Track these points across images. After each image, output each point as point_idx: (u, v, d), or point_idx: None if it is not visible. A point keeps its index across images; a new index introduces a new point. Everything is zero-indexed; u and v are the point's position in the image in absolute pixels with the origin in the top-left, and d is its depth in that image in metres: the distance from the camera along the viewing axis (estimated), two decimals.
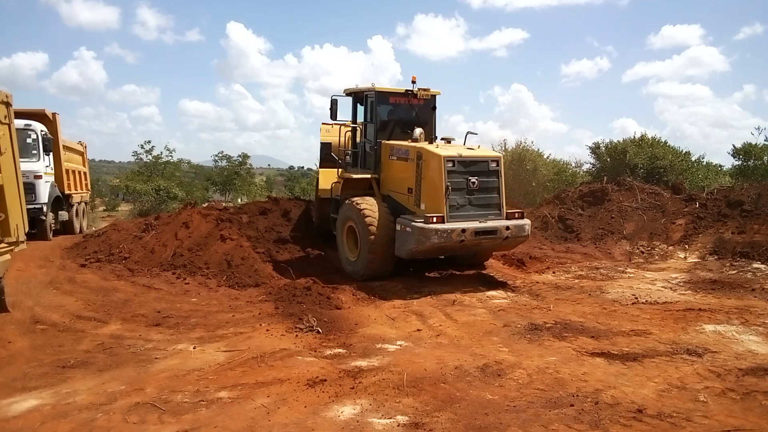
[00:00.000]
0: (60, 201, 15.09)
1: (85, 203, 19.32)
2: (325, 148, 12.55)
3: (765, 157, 24.93)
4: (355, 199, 10.49)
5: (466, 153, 9.95)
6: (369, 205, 10.18)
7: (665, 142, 26.25)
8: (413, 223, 9.33)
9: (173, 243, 11.53)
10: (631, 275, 10.94)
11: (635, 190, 16.46)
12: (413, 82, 11.16)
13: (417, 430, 4.47)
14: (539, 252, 13.27)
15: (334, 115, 11.10)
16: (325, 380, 5.49)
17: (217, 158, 44.40)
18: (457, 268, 11.30)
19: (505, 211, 10.11)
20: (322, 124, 13.88)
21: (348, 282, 9.98)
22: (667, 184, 18.75)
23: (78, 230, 16.73)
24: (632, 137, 26.42)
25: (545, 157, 28.52)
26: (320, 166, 13.91)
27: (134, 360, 6.19)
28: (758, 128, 25.23)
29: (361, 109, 11.57)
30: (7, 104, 6.04)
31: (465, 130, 15.47)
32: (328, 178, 12.74)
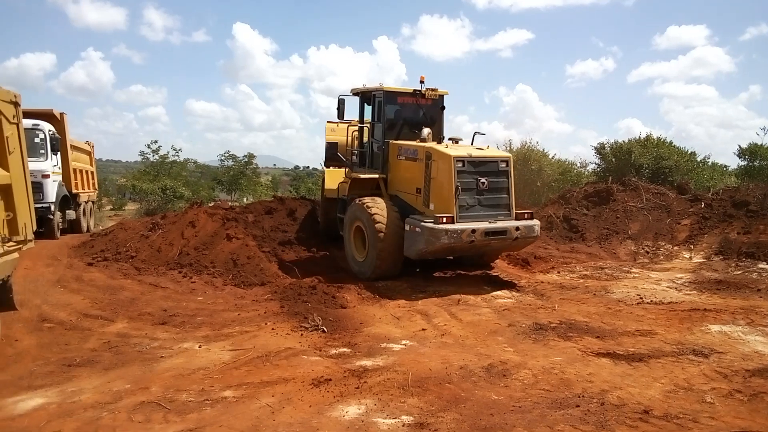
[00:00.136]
0: (67, 200, 15.16)
1: (93, 202, 19.39)
2: (332, 147, 12.50)
3: None
4: (364, 199, 10.44)
5: (476, 153, 9.88)
6: (377, 206, 10.13)
7: (670, 143, 26.16)
8: (423, 224, 9.28)
9: (179, 242, 11.56)
10: (636, 275, 10.91)
11: (640, 190, 16.39)
12: (421, 81, 11.09)
13: (422, 430, 4.48)
14: (544, 252, 13.24)
15: (341, 114, 11.06)
16: (330, 380, 5.50)
17: (223, 158, 44.53)
18: (463, 268, 11.26)
19: (514, 211, 10.05)
20: (328, 122, 13.84)
21: (353, 281, 9.98)
22: (672, 185, 18.68)
23: (85, 229, 16.80)
24: (637, 137, 26.34)
25: (550, 157, 28.48)
26: (325, 166, 13.91)
27: (140, 359, 6.22)
28: (764, 128, 25.06)
29: (368, 108, 11.52)
30: (16, 104, 6.07)
31: (470, 131, 15.47)
32: (335, 178, 12.72)
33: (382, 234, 9.80)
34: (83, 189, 17.12)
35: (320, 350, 6.54)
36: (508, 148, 27.00)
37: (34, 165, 9.60)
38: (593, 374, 5.69)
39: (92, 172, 19.13)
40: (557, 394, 5.19)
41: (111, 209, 34.87)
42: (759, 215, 13.54)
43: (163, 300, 8.87)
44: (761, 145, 25.20)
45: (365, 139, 11.72)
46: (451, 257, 11.34)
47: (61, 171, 14.72)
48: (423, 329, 7.44)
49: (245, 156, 44.49)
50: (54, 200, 13.80)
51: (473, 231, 9.29)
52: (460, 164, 9.50)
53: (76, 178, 16.10)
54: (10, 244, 5.79)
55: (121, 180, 42.74)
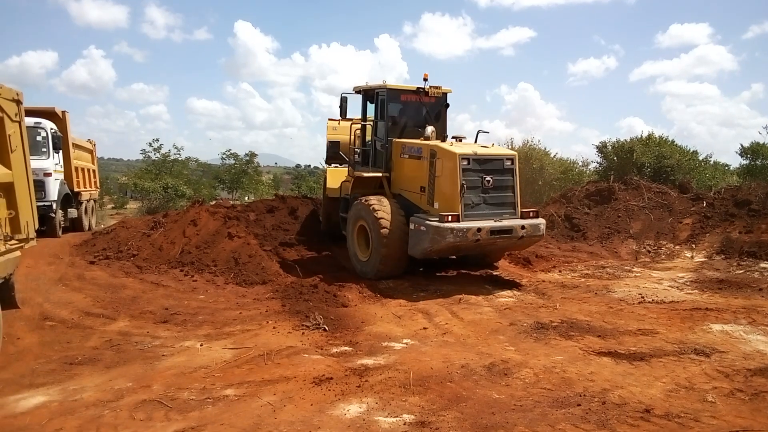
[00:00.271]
0: (69, 198, 15.16)
1: (94, 201, 19.40)
2: (334, 146, 12.40)
3: None
4: (367, 197, 10.37)
5: (481, 151, 9.81)
6: (381, 204, 10.07)
7: (672, 141, 26.17)
8: (428, 222, 9.22)
9: (181, 240, 11.57)
10: (638, 274, 10.90)
11: (642, 189, 16.39)
12: (425, 79, 11.00)
13: (423, 429, 4.48)
14: (545, 251, 13.24)
15: (343, 113, 10.99)
16: (332, 378, 5.50)
17: (224, 156, 44.55)
18: (466, 268, 11.21)
19: (519, 210, 9.99)
20: (329, 120, 13.74)
21: (354, 280, 9.98)
22: (674, 184, 18.67)
23: (87, 227, 16.80)
24: (639, 136, 26.34)
25: (552, 156, 28.48)
26: (326, 164, 13.88)
27: (141, 357, 6.23)
28: (766, 127, 25.08)
29: (371, 107, 11.44)
30: (18, 102, 6.07)
31: (471, 129, 15.47)
32: (337, 177, 12.67)
33: (386, 230, 9.74)
34: (85, 187, 17.12)
35: (321, 349, 6.55)
36: (510, 147, 27.01)
37: (36, 163, 9.60)
38: (595, 373, 5.69)
39: (94, 171, 19.14)
40: (559, 393, 5.19)
41: (113, 208, 34.92)
42: (761, 214, 13.54)
43: (165, 298, 8.88)
44: (763, 144, 25.18)
45: (368, 137, 11.66)
46: (454, 257, 11.29)
47: (62, 169, 14.73)
48: (424, 328, 7.44)
49: (247, 154, 44.53)
50: (56, 198, 13.80)
51: (479, 230, 9.21)
52: (465, 162, 9.44)
53: (77, 177, 16.11)
54: (12, 242, 5.80)
55: (123, 178, 42.77)
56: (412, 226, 9.60)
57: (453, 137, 10.67)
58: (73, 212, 15.40)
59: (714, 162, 28.21)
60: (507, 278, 10.58)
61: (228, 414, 4.73)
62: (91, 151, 19.15)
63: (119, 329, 7.30)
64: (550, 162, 27.73)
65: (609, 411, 4.77)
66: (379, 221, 9.82)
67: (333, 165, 13.68)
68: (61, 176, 14.57)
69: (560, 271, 11.38)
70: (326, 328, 7.32)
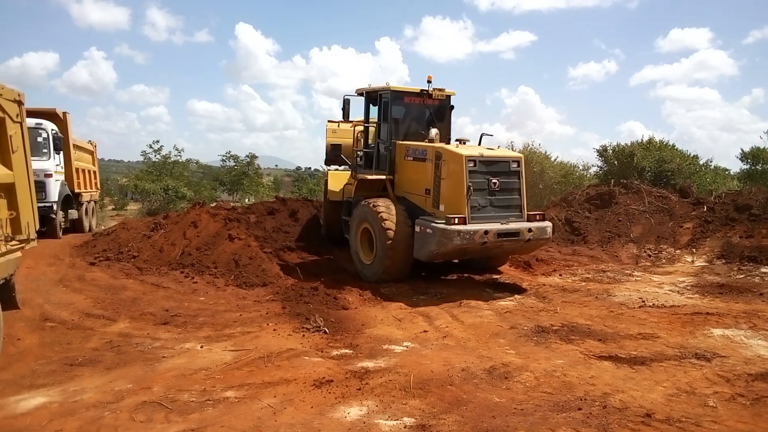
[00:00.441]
0: (70, 199, 15.17)
1: (95, 202, 19.42)
2: (336, 149, 12.27)
3: None
4: (371, 200, 10.30)
5: (487, 153, 9.72)
6: (386, 207, 9.98)
7: (673, 146, 26.17)
8: (434, 225, 9.12)
9: (182, 242, 11.57)
10: (638, 278, 10.89)
11: (642, 193, 16.39)
12: (429, 81, 10.93)
13: None
14: (546, 254, 13.23)
15: (346, 115, 10.89)
16: (332, 381, 5.49)
17: (224, 158, 44.59)
18: (470, 272, 11.12)
19: (526, 212, 9.91)
20: (329, 122, 13.66)
21: (354, 283, 9.97)
22: (674, 188, 18.68)
23: (87, 229, 16.81)
24: (640, 140, 26.36)
25: (552, 159, 28.49)
26: (325, 164, 13.83)
27: (142, 358, 6.22)
28: (767, 132, 25.08)
29: (373, 109, 11.36)
30: (19, 103, 6.07)
31: (472, 133, 15.43)
32: (338, 180, 12.63)
33: (391, 232, 9.66)
34: (86, 188, 17.14)
35: (322, 351, 6.54)
36: (511, 150, 26.99)
37: (36, 164, 9.60)
38: (595, 377, 5.68)
39: (95, 172, 19.15)
40: (559, 397, 5.18)
41: (113, 209, 34.95)
42: (761, 219, 13.54)
43: (165, 300, 8.87)
44: (764, 148, 25.21)
45: (371, 140, 11.60)
46: (457, 261, 11.23)
47: (63, 170, 14.74)
48: (424, 331, 7.44)
49: (247, 156, 44.57)
50: (56, 199, 13.81)
51: (486, 232, 9.11)
52: (471, 164, 9.35)
53: (78, 178, 16.12)
54: (13, 243, 5.79)
55: (123, 180, 42.83)
56: (417, 229, 9.51)
57: (456, 140, 10.60)
58: (73, 213, 15.40)
59: (714, 166, 28.25)
60: (507, 282, 10.57)
61: (228, 416, 4.72)
62: (91, 153, 19.17)
63: (119, 330, 7.30)
64: (551, 165, 27.74)
65: (610, 415, 4.76)
66: (383, 223, 9.73)
67: (333, 168, 13.66)
68: (62, 177, 14.58)
69: (561, 275, 11.37)
70: (326, 330, 7.32)
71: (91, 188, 18.10)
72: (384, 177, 10.85)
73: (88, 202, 17.57)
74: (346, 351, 6.58)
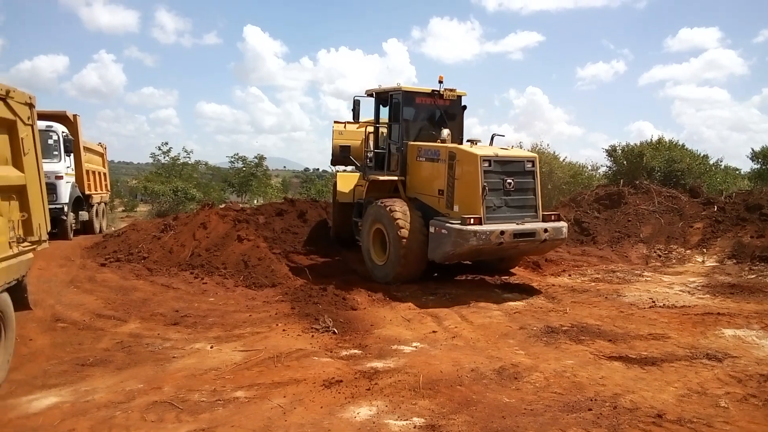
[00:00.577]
0: (80, 201, 15.26)
1: (105, 204, 19.53)
2: (345, 151, 12.17)
3: None
4: (385, 200, 10.20)
5: (502, 153, 9.64)
6: (400, 207, 9.89)
7: (683, 146, 26.05)
8: (449, 225, 9.04)
9: (191, 243, 11.61)
10: (648, 279, 10.83)
11: (652, 193, 16.30)
12: (440, 81, 10.85)
13: None
14: (555, 255, 13.17)
15: (356, 116, 10.84)
16: (341, 381, 5.50)
17: (233, 160, 44.77)
18: (480, 273, 11.02)
19: (541, 212, 9.82)
20: (335, 122, 13.55)
21: (363, 283, 9.97)
22: (684, 188, 18.57)
23: (98, 230, 16.91)
24: (649, 140, 26.25)
25: (561, 160, 28.41)
26: (332, 164, 13.77)
27: (152, 359, 6.26)
28: None
29: (383, 110, 11.29)
30: (31, 106, 6.11)
31: (480, 133, 15.34)
32: (348, 182, 12.59)
33: (405, 231, 9.58)
34: (96, 190, 17.24)
35: (331, 351, 6.55)
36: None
37: (47, 166, 9.68)
38: (606, 378, 5.66)
39: (105, 174, 19.27)
40: (569, 398, 5.16)
41: (123, 210, 35.15)
42: None
43: (175, 301, 8.91)
44: None
45: (380, 141, 11.51)
46: (469, 263, 11.15)
47: (74, 172, 14.83)
48: (434, 331, 7.43)
49: (255, 158, 44.75)
50: (67, 201, 13.90)
51: (502, 233, 9.01)
52: (486, 164, 9.25)
53: (88, 180, 16.22)
54: (25, 244, 5.84)
55: (133, 181, 43.11)
56: (432, 230, 9.42)
57: (468, 140, 10.49)
58: (84, 215, 15.50)
59: (725, 166, 28.08)
60: (516, 282, 10.54)
61: (238, 416, 4.74)
62: (101, 155, 19.29)
63: (130, 331, 7.34)
64: (559, 166, 27.66)
65: (620, 416, 4.74)
66: (397, 223, 9.65)
67: (341, 169, 13.63)
68: (73, 179, 14.68)
69: (570, 276, 11.33)
70: (335, 331, 7.33)
71: (101, 190, 18.21)
72: (396, 178, 10.77)
73: (99, 203, 17.67)
74: (356, 351, 6.59)
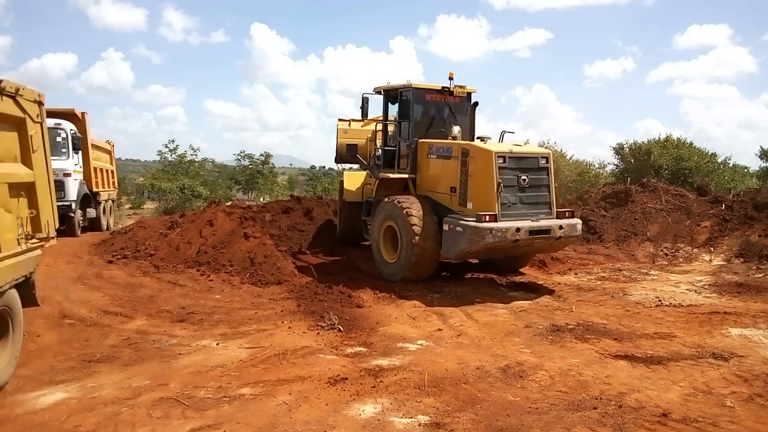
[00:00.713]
0: (88, 198, 15.37)
1: (112, 201, 19.64)
2: (352, 149, 12.07)
3: None
4: (397, 197, 10.07)
5: (516, 149, 9.51)
6: (413, 204, 9.77)
7: (691, 144, 25.93)
8: (464, 222, 8.93)
9: (198, 240, 11.66)
10: (655, 277, 10.80)
11: (659, 191, 16.22)
12: (450, 78, 10.75)
13: (438, 430, 4.48)
14: (561, 253, 13.11)
15: (365, 113, 10.78)
16: (347, 378, 5.52)
17: (239, 157, 44.89)
18: (489, 272, 10.98)
19: (555, 209, 9.73)
20: (339, 120, 13.44)
21: (369, 281, 9.99)
22: (692, 186, 18.49)
23: (105, 227, 17.02)
24: (657, 138, 26.13)
25: (568, 158, 28.34)
26: (336, 162, 13.72)
27: (159, 355, 6.29)
28: None
29: (392, 107, 11.22)
30: (40, 103, 6.15)
31: (487, 131, 15.26)
32: (355, 181, 12.54)
33: (418, 228, 9.46)
34: (103, 187, 17.35)
35: (336, 349, 6.57)
36: None
37: (56, 164, 9.73)
38: (611, 376, 5.65)
39: (112, 171, 19.38)
40: (574, 396, 5.16)
41: (130, 208, 35.28)
42: None
43: (182, 298, 8.95)
44: None
45: (389, 138, 11.43)
46: (477, 261, 11.06)
47: (82, 170, 14.93)
48: (439, 329, 7.44)
49: (262, 155, 44.84)
50: (75, 198, 14.00)
51: (517, 229, 8.87)
52: (501, 160, 9.12)
53: (96, 177, 16.32)
54: (33, 241, 5.88)
55: (140, 179, 43.29)
56: (446, 227, 9.30)
57: (478, 137, 10.34)
58: (91, 212, 15.60)
59: (733, 165, 27.93)
60: (522, 281, 10.52)
61: (244, 413, 4.76)
62: (109, 152, 19.39)
63: (137, 328, 7.38)
64: (566, 164, 27.60)
65: (626, 415, 4.73)
66: (410, 220, 9.53)
67: (348, 167, 13.60)
68: (81, 176, 14.78)
69: (576, 274, 11.30)
70: (341, 328, 7.34)
71: (108, 187, 18.32)
72: (407, 176, 10.69)
73: (106, 200, 17.78)
74: (361, 349, 6.60)
